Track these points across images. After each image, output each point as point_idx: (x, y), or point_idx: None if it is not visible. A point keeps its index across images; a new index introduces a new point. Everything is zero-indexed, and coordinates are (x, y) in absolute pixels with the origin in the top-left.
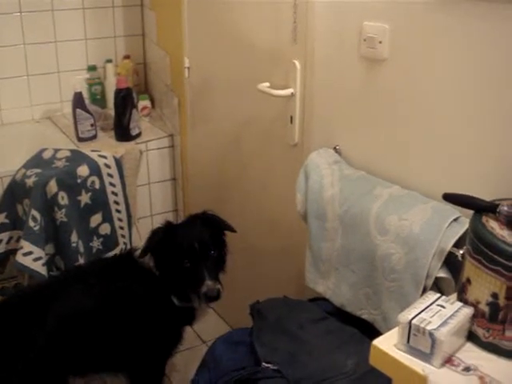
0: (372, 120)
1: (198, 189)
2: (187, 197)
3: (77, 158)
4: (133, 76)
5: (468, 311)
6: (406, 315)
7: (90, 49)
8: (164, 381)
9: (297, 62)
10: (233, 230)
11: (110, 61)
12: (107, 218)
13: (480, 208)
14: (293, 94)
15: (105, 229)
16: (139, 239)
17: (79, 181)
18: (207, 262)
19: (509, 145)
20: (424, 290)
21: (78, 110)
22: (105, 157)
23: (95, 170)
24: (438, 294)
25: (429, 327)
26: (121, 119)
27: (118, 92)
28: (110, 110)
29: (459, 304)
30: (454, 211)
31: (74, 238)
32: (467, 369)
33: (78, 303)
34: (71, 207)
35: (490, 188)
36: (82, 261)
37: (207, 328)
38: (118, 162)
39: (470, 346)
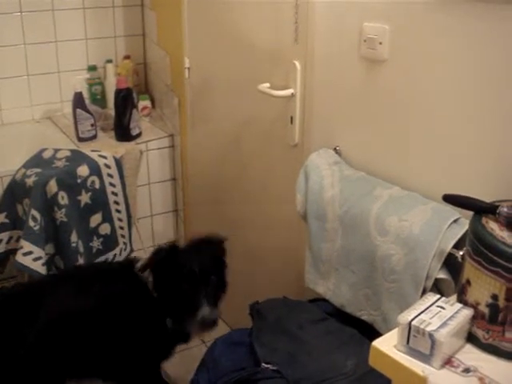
0: (372, 121)
1: (198, 189)
2: (187, 197)
3: (77, 157)
4: (133, 76)
5: (468, 312)
6: (406, 316)
7: (90, 49)
8: None
9: (297, 63)
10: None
11: (110, 61)
12: (107, 218)
13: (480, 209)
14: (293, 95)
15: (105, 229)
16: (139, 239)
17: (79, 181)
18: (207, 288)
19: (509, 145)
20: (424, 291)
21: (78, 110)
22: (105, 157)
23: (95, 169)
24: (438, 296)
25: (428, 328)
26: (121, 119)
27: (119, 92)
28: (110, 110)
29: (459, 305)
30: (453, 212)
31: (73, 237)
32: (467, 370)
33: (70, 304)
34: (71, 207)
35: (490, 189)
36: (81, 261)
37: None
38: (118, 162)
39: (469, 347)
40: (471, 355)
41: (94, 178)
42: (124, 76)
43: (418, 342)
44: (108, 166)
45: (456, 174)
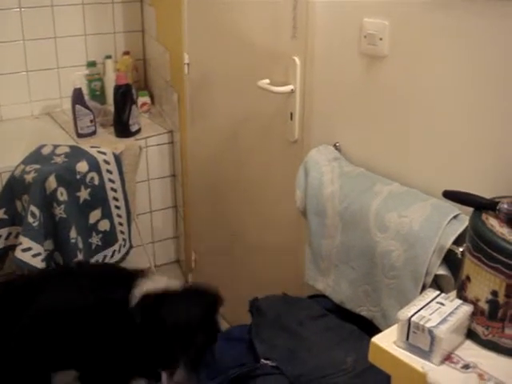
0: (372, 117)
1: (197, 185)
2: (187, 193)
3: (76, 154)
4: (132, 72)
5: (467, 309)
6: (406, 312)
7: (89, 45)
8: None
9: (297, 59)
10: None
11: (109, 57)
12: (106, 214)
13: (480, 205)
14: (293, 91)
15: (104, 225)
16: (138, 235)
17: (78, 177)
18: (189, 349)
19: (508, 142)
20: (423, 288)
21: (78, 106)
22: (104, 153)
23: (94, 166)
24: (438, 292)
25: (428, 324)
26: (120, 115)
27: (118, 88)
28: (110, 106)
29: (459, 301)
30: (453, 208)
31: (73, 234)
32: (466, 366)
33: (60, 303)
34: (70, 203)
35: (490, 185)
36: (80, 257)
37: None
38: (118, 158)
39: (469, 343)
40: (471, 351)
41: (94, 174)
42: (123, 72)
43: (418, 338)
44: (107, 162)
45: (456, 170)
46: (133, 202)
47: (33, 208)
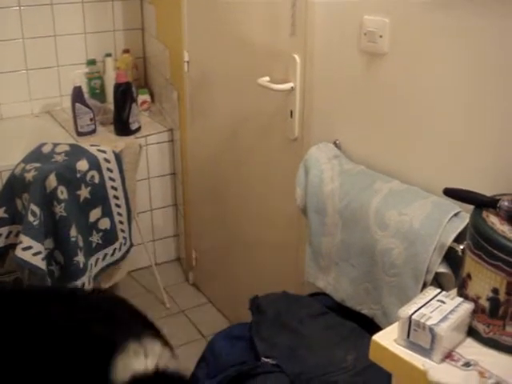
0: (372, 114)
1: (197, 183)
2: (187, 191)
3: (76, 152)
4: (132, 70)
5: (468, 306)
6: (406, 310)
7: (89, 43)
8: None
9: (296, 56)
10: None
11: (109, 55)
12: (107, 213)
13: (480, 203)
14: (293, 89)
15: (104, 223)
16: (139, 234)
17: (78, 175)
18: None
19: (508, 140)
20: (424, 286)
21: (78, 105)
22: (104, 151)
23: (94, 164)
24: (438, 290)
25: (429, 322)
26: (120, 113)
27: (118, 86)
28: (110, 105)
29: (459, 299)
30: (454, 206)
31: (73, 232)
32: (467, 364)
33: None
34: (70, 202)
35: (491, 183)
36: (81, 255)
37: (206, 323)
38: (118, 157)
39: (470, 341)
40: (472, 349)
41: (94, 172)
42: (123, 70)
43: (419, 336)
44: (107, 161)
45: (456, 168)
46: (133, 200)
47: (33, 206)
